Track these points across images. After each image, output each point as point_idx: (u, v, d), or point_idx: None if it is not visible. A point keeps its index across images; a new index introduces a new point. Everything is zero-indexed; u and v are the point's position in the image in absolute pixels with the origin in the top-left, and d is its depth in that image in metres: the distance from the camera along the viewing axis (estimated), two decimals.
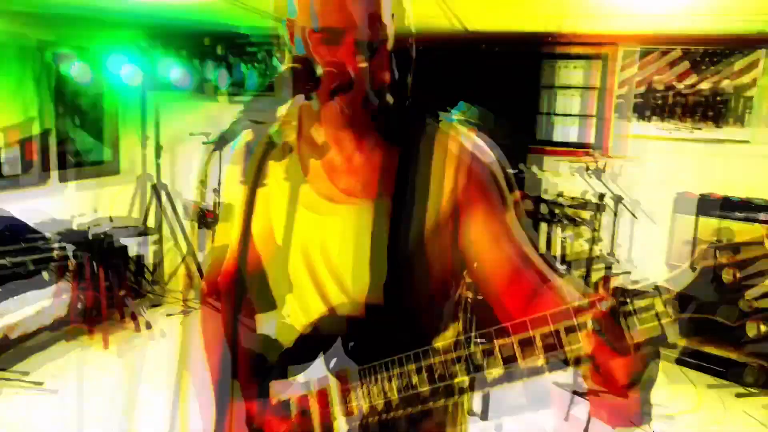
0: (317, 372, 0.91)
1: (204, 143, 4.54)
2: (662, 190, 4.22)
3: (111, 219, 4.56)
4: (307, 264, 0.98)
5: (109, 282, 3.96)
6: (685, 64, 4.20)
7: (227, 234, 1.08)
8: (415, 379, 0.79)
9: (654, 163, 4.22)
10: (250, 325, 1.10)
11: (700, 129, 4.22)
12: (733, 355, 3.63)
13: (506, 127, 4.00)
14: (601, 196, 4.00)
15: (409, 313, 0.92)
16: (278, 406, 0.94)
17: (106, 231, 4.15)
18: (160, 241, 4.86)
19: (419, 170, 0.93)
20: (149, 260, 4.98)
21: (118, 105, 4.88)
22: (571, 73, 4.42)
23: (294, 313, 1.02)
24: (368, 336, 0.90)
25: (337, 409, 0.86)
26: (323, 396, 0.88)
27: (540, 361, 0.70)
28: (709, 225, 3.99)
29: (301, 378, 0.94)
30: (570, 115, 4.42)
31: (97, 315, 3.93)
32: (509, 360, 0.73)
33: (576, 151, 4.34)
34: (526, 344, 0.71)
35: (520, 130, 4.29)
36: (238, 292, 1.03)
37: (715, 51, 4.12)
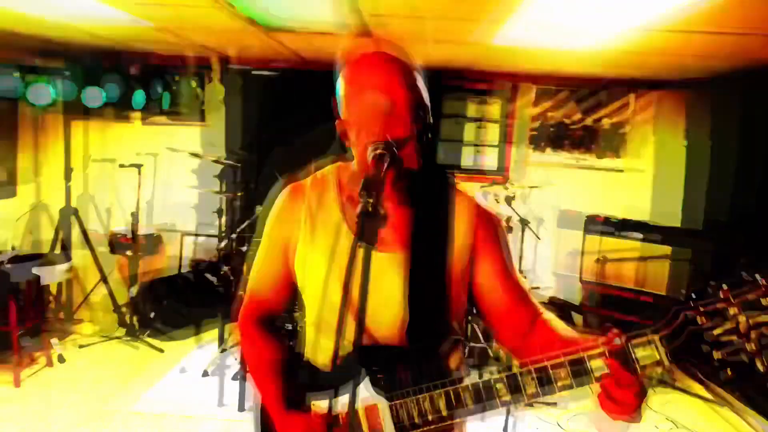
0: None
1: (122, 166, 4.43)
2: (549, 210, 4.84)
3: (13, 248, 4.27)
4: (351, 297, 1.15)
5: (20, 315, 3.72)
6: (572, 104, 4.86)
7: (267, 268, 1.24)
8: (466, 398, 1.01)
9: (549, 187, 4.79)
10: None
11: (585, 159, 4.90)
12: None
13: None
14: (508, 219, 4.48)
15: (430, 349, 1.14)
16: (326, 419, 1.11)
17: (8, 260, 3.90)
18: (70, 269, 4.62)
19: (443, 226, 1.16)
20: (55, 289, 4.70)
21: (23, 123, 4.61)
22: (476, 106, 4.92)
23: (326, 338, 1.19)
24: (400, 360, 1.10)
25: (386, 422, 1.05)
26: (373, 410, 1.07)
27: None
28: (594, 240, 4.64)
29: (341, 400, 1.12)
30: (476, 144, 4.91)
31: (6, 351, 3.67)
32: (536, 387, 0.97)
33: (478, 177, 4.82)
34: (546, 381, 0.96)
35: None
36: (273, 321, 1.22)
37: (594, 93, 4.82)
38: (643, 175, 4.89)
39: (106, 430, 3.18)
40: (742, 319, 0.88)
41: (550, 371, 0.96)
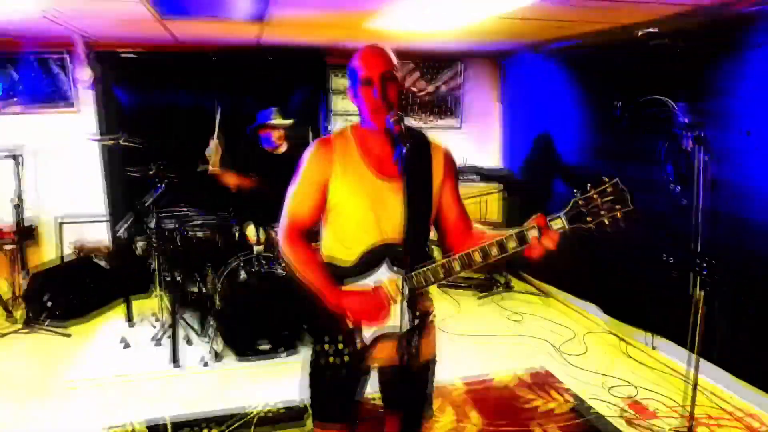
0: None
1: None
2: None
3: None
4: (369, 213, 1.76)
5: None
6: (418, 74, 5.78)
7: (304, 198, 1.80)
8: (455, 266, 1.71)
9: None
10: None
11: (432, 120, 5.89)
12: (472, 275, 5.40)
13: (302, 124, 4.95)
14: None
15: (421, 240, 1.83)
16: (360, 293, 1.75)
17: None
18: None
19: (428, 165, 1.82)
20: None
21: None
22: (341, 79, 5.58)
23: (351, 243, 1.80)
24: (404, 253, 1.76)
25: (402, 284, 1.72)
26: (394, 282, 1.74)
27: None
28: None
29: (369, 279, 1.78)
30: (347, 114, 5.61)
31: None
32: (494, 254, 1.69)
33: None
34: (502, 247, 1.66)
35: (311, 126, 5.27)
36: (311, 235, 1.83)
37: (433, 65, 5.80)
38: (474, 131, 6.06)
39: (49, 402, 3.33)
40: (598, 201, 1.66)
41: (506, 241, 1.66)
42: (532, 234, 1.64)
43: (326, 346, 1.83)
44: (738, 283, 3.23)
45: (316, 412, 1.93)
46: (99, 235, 5.10)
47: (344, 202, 1.79)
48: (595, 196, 1.61)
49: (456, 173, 1.94)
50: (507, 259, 1.71)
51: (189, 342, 4.14)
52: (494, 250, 1.68)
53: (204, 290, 4.23)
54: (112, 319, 4.65)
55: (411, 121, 5.78)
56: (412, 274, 1.72)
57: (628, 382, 3.57)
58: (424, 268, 1.73)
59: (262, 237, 4.02)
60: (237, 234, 4.22)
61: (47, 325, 4.36)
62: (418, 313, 1.76)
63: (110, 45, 4.83)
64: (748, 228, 3.25)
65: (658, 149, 3.52)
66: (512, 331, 4.52)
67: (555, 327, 4.57)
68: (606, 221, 1.61)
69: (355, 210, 1.79)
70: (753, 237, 3.22)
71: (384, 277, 1.78)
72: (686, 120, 3.23)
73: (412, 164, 1.68)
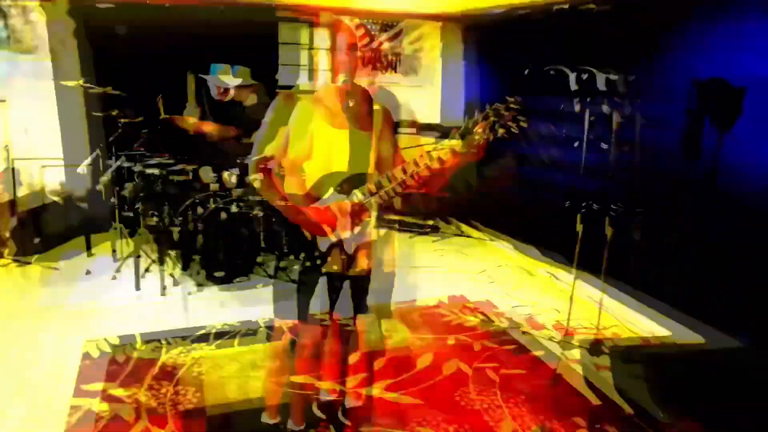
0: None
1: None
2: None
3: None
4: (321, 152, 2.29)
5: None
6: (383, 35, 6.18)
7: (270, 135, 2.27)
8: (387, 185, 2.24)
9: None
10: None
11: (393, 78, 6.33)
12: (406, 218, 6.06)
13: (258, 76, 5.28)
14: None
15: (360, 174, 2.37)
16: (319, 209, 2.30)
17: None
18: None
19: (369, 118, 2.32)
20: None
21: None
22: (289, 33, 5.90)
23: (309, 175, 2.32)
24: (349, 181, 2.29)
25: (362, 197, 2.26)
26: (337, 204, 2.29)
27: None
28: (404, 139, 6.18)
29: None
30: (292, 65, 5.95)
31: None
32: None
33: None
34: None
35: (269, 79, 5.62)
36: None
37: (381, 23, 6.20)
38: (434, 88, 6.54)
39: (26, 324, 3.72)
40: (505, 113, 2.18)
41: (417, 159, 2.14)
42: (435, 154, 2.10)
43: (316, 260, 2.37)
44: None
45: (302, 313, 2.46)
46: (55, 175, 5.32)
47: (301, 144, 2.30)
48: (479, 120, 2.03)
49: (392, 125, 2.47)
50: (432, 181, 2.18)
51: (148, 270, 4.56)
52: (410, 167, 2.14)
53: (162, 224, 4.63)
54: (73, 250, 4.98)
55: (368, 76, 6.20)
56: (354, 192, 2.27)
57: (528, 304, 4.35)
58: (363, 190, 2.27)
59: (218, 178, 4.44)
60: (192, 175, 4.61)
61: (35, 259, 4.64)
62: (359, 226, 2.31)
63: None
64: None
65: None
66: (437, 264, 5.22)
67: (474, 262, 5.31)
68: (488, 138, 2.03)
69: (310, 150, 2.31)
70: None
71: (333, 198, 2.32)
72: (576, 86, 3.81)
73: (358, 117, 2.21)
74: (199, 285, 4.36)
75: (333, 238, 2.34)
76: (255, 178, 2.33)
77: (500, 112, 1.99)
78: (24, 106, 5.03)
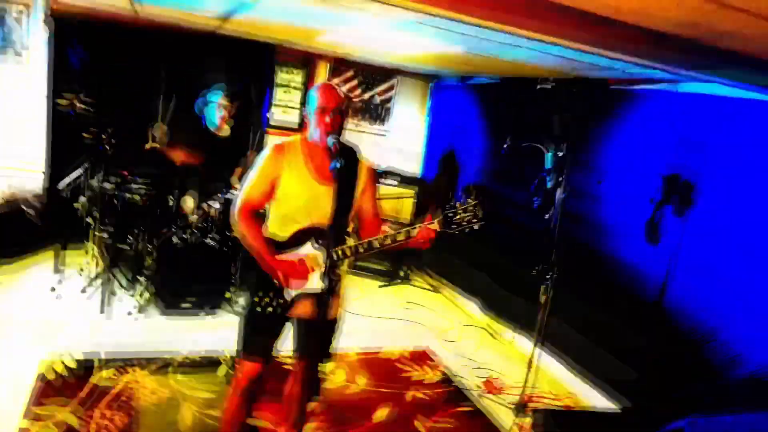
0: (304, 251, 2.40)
1: None
2: None
3: None
4: (305, 206, 2.41)
5: None
6: (355, 81, 6.43)
7: (258, 187, 2.38)
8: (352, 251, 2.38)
9: None
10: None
11: (361, 125, 6.56)
12: (378, 265, 6.15)
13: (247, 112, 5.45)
14: None
15: (341, 228, 2.49)
16: (290, 261, 2.39)
17: None
18: None
19: (355, 173, 2.48)
20: None
21: None
22: (287, 75, 6.11)
23: (288, 225, 2.43)
24: (326, 235, 2.41)
25: (321, 259, 2.37)
26: (316, 256, 2.40)
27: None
28: None
29: (299, 252, 2.41)
30: (288, 106, 6.15)
31: None
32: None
33: (284, 132, 6.10)
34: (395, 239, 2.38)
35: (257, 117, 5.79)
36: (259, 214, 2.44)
37: (371, 75, 6.47)
38: (399, 139, 6.80)
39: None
40: (461, 214, 2.40)
41: (396, 235, 2.34)
42: (413, 233, 2.35)
43: (257, 299, 2.45)
44: (578, 288, 4.19)
45: (243, 346, 2.54)
46: (32, 186, 5.31)
47: (287, 195, 2.42)
48: (459, 210, 2.34)
49: (375, 183, 2.62)
50: (397, 248, 2.40)
51: (114, 293, 4.54)
52: (387, 240, 2.37)
53: (135, 249, 4.64)
54: (41, 266, 4.92)
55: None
56: (332, 251, 2.38)
57: (488, 367, 4.44)
58: (340, 247, 2.39)
59: (196, 209, 4.50)
60: (173, 203, 4.66)
61: None
62: (332, 280, 2.42)
63: (70, 6, 5.05)
64: (592, 249, 4.22)
65: (532, 184, 4.42)
66: (404, 316, 5.30)
67: (440, 317, 5.40)
68: (466, 229, 2.35)
69: (294, 202, 2.43)
70: (596, 257, 4.19)
71: (309, 251, 2.42)
72: (551, 165, 4.09)
73: (343, 174, 2.33)
74: (166, 313, 4.35)
75: (292, 292, 2.44)
76: (240, 228, 2.42)
77: (457, 214, 2.33)
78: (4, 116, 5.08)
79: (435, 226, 2.35)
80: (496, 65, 4.51)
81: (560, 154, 4.16)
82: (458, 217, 2.34)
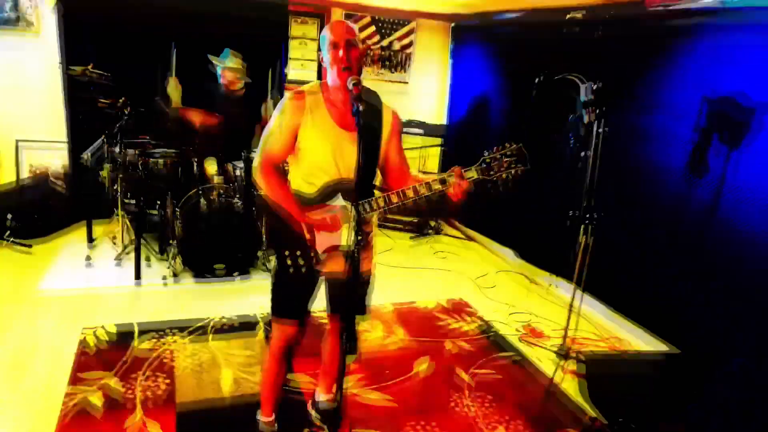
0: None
1: None
2: None
3: None
4: (331, 156, 2.27)
5: None
6: (372, 28, 6.14)
7: (278, 139, 2.25)
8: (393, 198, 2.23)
9: None
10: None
11: (382, 73, 6.30)
12: (408, 218, 6.03)
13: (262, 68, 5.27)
14: None
15: (369, 179, 2.35)
16: (320, 217, 2.28)
17: None
18: None
19: (379, 120, 2.33)
20: None
21: None
22: (301, 27, 5.86)
23: (314, 179, 2.31)
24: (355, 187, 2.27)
25: (351, 212, 2.25)
26: (345, 208, 2.27)
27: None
28: None
29: (327, 206, 2.29)
30: (305, 59, 5.93)
31: None
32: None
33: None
34: (431, 187, 2.21)
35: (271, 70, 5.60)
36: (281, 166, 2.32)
37: (387, 20, 6.17)
38: (422, 86, 6.53)
39: (23, 311, 3.71)
40: (502, 159, 2.22)
41: (431, 183, 2.16)
42: (451, 180, 2.19)
43: (287, 258, 2.36)
44: (620, 233, 3.99)
45: (275, 309, 2.47)
46: (57, 158, 5.30)
47: (310, 146, 2.28)
48: (499, 155, 2.17)
49: (400, 131, 2.45)
50: (432, 197, 2.25)
51: (149, 263, 4.55)
52: (422, 189, 2.21)
53: (164, 216, 4.62)
54: (74, 239, 4.96)
55: (363, 74, 6.18)
56: (360, 203, 2.25)
57: (527, 311, 4.33)
58: (369, 199, 2.25)
59: (219, 171, 4.42)
60: (196, 167, 4.59)
61: (10, 239, 4.62)
62: (361, 235, 2.30)
63: None
64: (636, 189, 3.99)
65: (567, 121, 4.17)
66: (438, 266, 5.20)
67: (474, 266, 5.29)
68: (506, 175, 2.17)
69: (319, 152, 2.28)
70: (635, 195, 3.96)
71: (339, 204, 2.30)
72: (587, 98, 3.83)
73: (366, 120, 2.16)
74: (198, 278, 4.35)
75: (322, 249, 2.33)
76: (263, 185, 2.30)
77: (496, 160, 2.12)
78: (25, 88, 5.03)
79: (472, 173, 2.16)
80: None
81: (597, 85, 3.91)
82: (498, 162, 2.16)
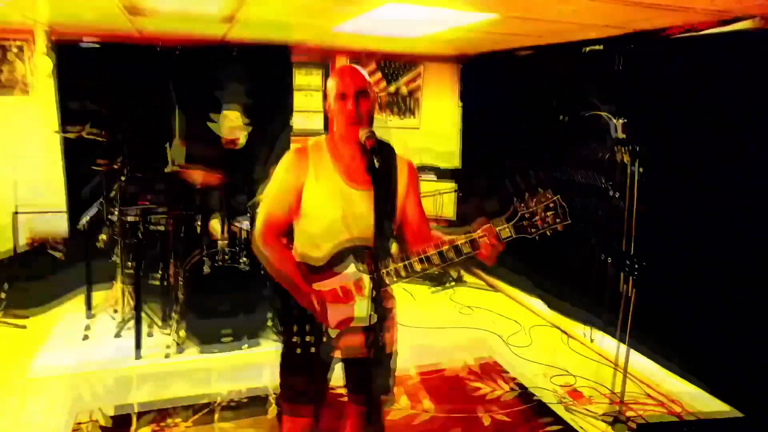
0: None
1: None
2: None
3: None
4: (340, 218, 1.94)
5: None
6: (378, 74, 5.96)
7: (279, 202, 1.95)
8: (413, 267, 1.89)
9: None
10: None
11: (390, 120, 6.08)
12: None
13: (266, 120, 5.06)
14: None
15: (385, 244, 2.01)
16: (330, 289, 1.94)
17: None
18: None
19: (394, 173, 2.01)
20: None
21: None
22: (305, 78, 5.69)
23: (322, 244, 1.98)
24: (371, 252, 1.94)
25: (368, 281, 1.91)
26: (360, 279, 1.93)
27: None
28: None
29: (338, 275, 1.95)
30: (310, 110, 5.73)
31: None
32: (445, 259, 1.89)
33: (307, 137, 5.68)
34: (458, 251, 1.86)
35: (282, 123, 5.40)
36: (288, 233, 1.99)
37: (394, 65, 5.99)
38: (433, 131, 6.29)
39: (12, 397, 3.36)
40: (540, 213, 1.88)
41: (461, 246, 1.83)
42: (484, 241, 1.85)
43: (295, 338, 2.01)
44: (667, 282, 3.59)
45: (285, 396, 2.11)
46: (56, 226, 5.06)
47: (317, 207, 1.97)
48: (537, 209, 1.83)
49: (418, 183, 2.14)
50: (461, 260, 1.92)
51: (150, 333, 4.21)
52: (449, 253, 1.88)
53: (166, 282, 4.31)
54: (72, 310, 4.65)
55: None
56: (378, 272, 1.91)
57: (567, 371, 3.89)
58: (389, 268, 1.91)
59: (226, 231, 4.13)
60: (199, 227, 4.31)
61: (3, 317, 4.33)
62: (381, 309, 1.95)
63: (71, 34, 4.78)
64: (676, 231, 3.61)
65: (598, 159, 3.85)
66: (463, 323, 4.80)
67: (503, 320, 4.87)
68: (548, 233, 1.84)
69: (326, 214, 1.97)
70: (681, 240, 3.57)
71: (350, 274, 1.97)
72: (622, 135, 3.52)
73: (381, 175, 1.86)
74: (204, 348, 3.99)
75: (331, 331, 1.99)
76: (264, 254, 1.99)
77: (535, 215, 1.81)
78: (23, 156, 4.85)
79: (508, 232, 1.82)
80: (534, 29, 3.97)
81: (625, 121, 3.61)
82: (537, 217, 1.82)
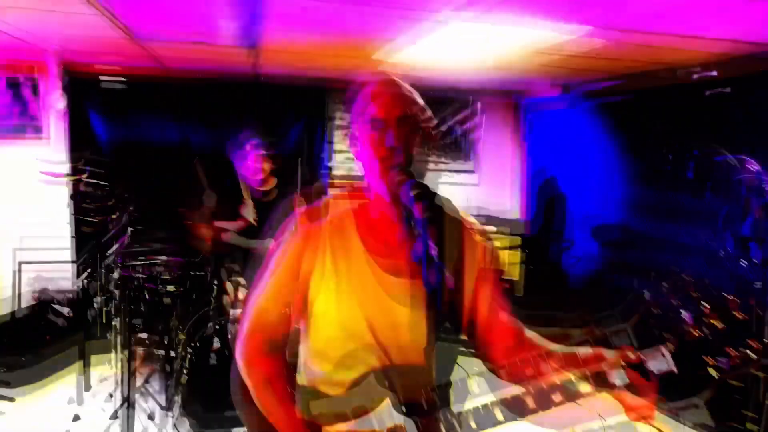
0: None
1: None
2: None
3: None
4: (369, 324, 1.18)
5: None
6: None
7: (275, 298, 1.23)
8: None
9: None
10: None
11: (441, 162, 5.34)
12: None
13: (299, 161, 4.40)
14: None
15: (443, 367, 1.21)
16: None
17: None
18: None
19: (459, 250, 1.23)
20: None
21: None
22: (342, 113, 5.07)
23: (342, 367, 1.20)
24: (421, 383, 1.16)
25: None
26: (398, 428, 1.13)
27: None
28: None
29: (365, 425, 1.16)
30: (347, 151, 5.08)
31: None
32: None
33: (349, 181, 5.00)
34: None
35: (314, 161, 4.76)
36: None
37: (446, 100, 5.28)
38: (489, 177, 5.48)
39: None
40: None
41: (575, 385, 1.07)
42: (620, 379, 1.03)
43: None
44: None
45: None
46: (62, 276, 4.51)
47: (333, 305, 1.21)
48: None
49: (499, 266, 1.34)
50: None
51: (151, 417, 3.50)
52: (557, 396, 1.08)
53: (174, 358, 3.62)
54: (68, 383, 4.00)
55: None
56: (432, 417, 1.11)
57: None
58: (450, 414, 1.11)
59: (237, 298, 3.42)
60: (216, 290, 3.62)
61: None
62: None
63: (88, 69, 4.34)
64: None
65: (720, 213, 2.94)
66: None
67: (589, 411, 3.89)
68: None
69: (349, 319, 1.20)
70: None
71: (387, 421, 1.16)
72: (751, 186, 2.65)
73: (437, 255, 1.07)
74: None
75: None
76: (243, 367, 1.24)
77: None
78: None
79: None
80: (629, 54, 3.17)
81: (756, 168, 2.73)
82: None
